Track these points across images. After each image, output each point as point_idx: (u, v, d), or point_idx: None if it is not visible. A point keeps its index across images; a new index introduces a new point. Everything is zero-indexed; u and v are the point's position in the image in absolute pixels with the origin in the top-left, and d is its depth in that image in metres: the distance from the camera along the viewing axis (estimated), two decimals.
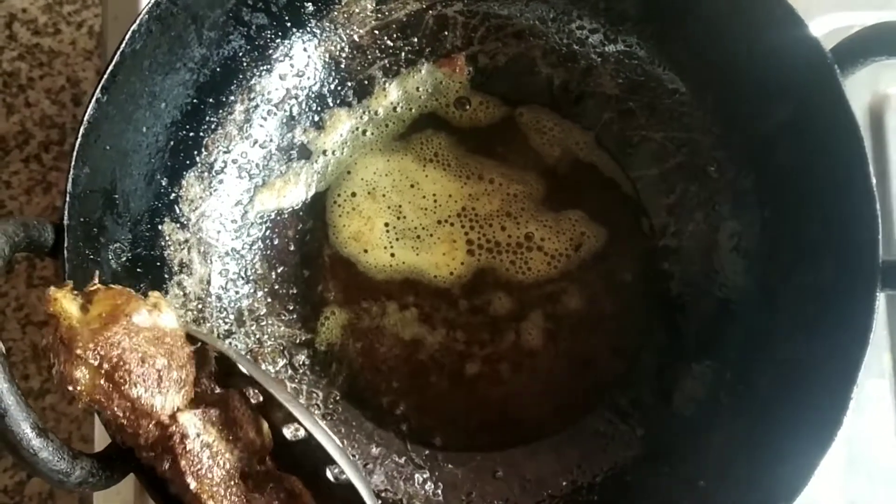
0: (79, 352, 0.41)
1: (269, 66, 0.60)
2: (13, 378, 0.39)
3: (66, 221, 0.48)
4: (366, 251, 0.62)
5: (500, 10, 0.63)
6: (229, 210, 0.59)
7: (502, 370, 0.60)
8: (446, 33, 0.63)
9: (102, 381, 0.41)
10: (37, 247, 0.46)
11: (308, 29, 0.61)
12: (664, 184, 0.62)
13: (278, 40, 0.60)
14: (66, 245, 0.47)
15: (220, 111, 0.58)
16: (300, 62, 0.61)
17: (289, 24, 0.60)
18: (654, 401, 0.59)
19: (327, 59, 0.62)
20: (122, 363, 0.42)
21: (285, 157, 0.62)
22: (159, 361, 0.43)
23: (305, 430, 0.46)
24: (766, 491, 0.49)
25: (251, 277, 0.60)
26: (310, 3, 0.60)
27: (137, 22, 0.50)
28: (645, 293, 0.62)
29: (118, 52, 0.49)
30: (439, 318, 0.61)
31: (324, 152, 0.63)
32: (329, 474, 0.47)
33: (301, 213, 0.62)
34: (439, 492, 0.58)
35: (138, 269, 0.53)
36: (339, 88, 0.63)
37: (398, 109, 0.64)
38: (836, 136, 0.49)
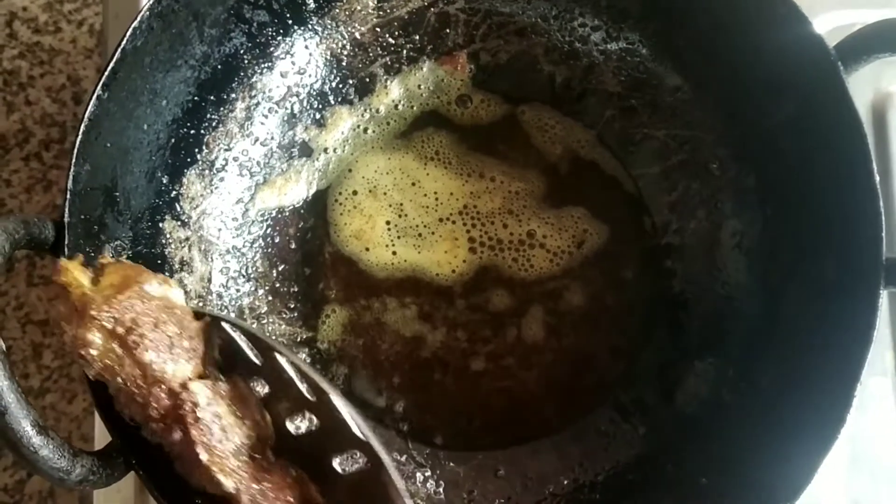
0: (93, 313, 0.41)
1: (270, 64, 0.60)
2: (13, 376, 0.39)
3: (66, 219, 0.47)
4: (367, 249, 0.62)
5: (502, 7, 0.62)
6: (230, 208, 0.59)
7: (504, 368, 0.60)
8: (448, 31, 0.63)
9: (115, 345, 0.41)
10: (37, 244, 0.46)
11: (309, 26, 0.61)
12: (666, 181, 0.62)
13: (280, 38, 0.59)
14: (66, 242, 0.47)
15: (222, 108, 0.58)
16: (301, 60, 0.61)
17: (290, 22, 0.59)
18: (657, 399, 0.59)
19: (329, 57, 0.62)
20: (135, 326, 0.42)
21: (286, 155, 0.62)
22: (171, 328, 0.43)
23: (326, 395, 0.44)
24: (769, 489, 0.48)
25: (252, 275, 0.60)
26: (311, 1, 0.60)
27: (139, 19, 0.50)
28: (647, 291, 0.61)
29: (119, 49, 0.49)
30: (441, 316, 0.61)
31: (325, 150, 0.63)
32: (337, 466, 0.44)
33: (302, 211, 0.62)
34: (441, 490, 0.58)
35: None
36: (340, 86, 0.63)
37: (400, 107, 0.64)
38: (840, 134, 0.49)
